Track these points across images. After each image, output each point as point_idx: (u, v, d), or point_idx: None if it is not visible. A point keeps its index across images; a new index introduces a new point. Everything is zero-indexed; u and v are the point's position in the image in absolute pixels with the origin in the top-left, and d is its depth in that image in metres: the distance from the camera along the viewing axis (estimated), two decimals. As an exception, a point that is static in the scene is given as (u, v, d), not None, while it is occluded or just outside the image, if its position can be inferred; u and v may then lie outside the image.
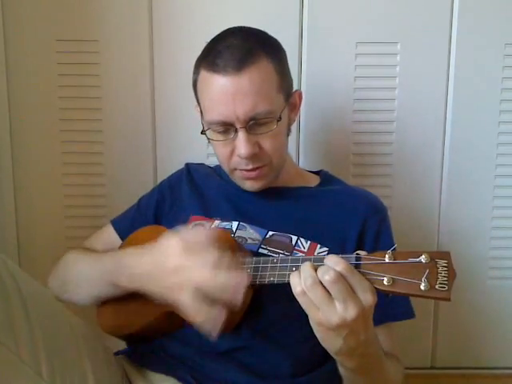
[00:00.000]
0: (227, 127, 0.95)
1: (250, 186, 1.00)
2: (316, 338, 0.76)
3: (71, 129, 1.35)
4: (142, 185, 1.32)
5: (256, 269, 0.82)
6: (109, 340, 0.95)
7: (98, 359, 0.85)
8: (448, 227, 1.40)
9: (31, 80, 1.33)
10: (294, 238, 0.97)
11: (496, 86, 1.34)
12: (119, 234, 1.12)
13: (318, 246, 0.96)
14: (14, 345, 0.70)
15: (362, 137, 1.37)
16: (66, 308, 0.87)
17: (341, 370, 0.85)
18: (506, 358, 1.46)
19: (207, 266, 0.78)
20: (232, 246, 0.89)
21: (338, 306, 0.71)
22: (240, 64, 0.91)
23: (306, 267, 0.73)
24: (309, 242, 0.97)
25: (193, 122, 1.30)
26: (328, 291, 0.71)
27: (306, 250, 0.96)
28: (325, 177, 1.12)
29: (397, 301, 0.95)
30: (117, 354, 0.99)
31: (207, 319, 0.78)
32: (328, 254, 0.95)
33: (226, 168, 1.02)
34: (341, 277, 0.70)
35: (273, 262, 0.81)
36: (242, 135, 0.93)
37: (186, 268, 0.80)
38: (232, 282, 0.77)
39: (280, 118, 0.96)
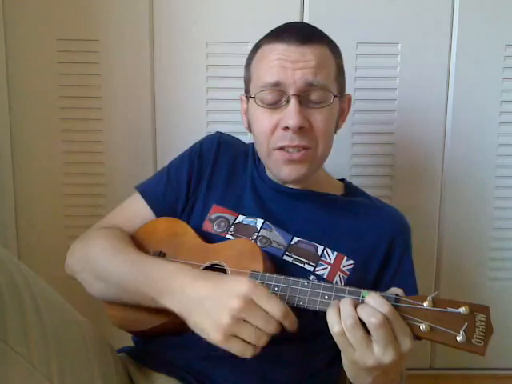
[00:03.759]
0: (279, 94, 0.89)
1: (287, 172, 0.92)
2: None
3: (72, 128, 1.35)
4: (142, 184, 1.32)
5: (284, 289, 0.79)
6: (111, 338, 0.95)
7: (106, 363, 0.84)
8: (448, 228, 1.40)
9: (32, 79, 1.33)
10: (320, 247, 0.93)
11: (496, 87, 1.34)
12: (153, 209, 1.02)
13: (345, 258, 0.93)
14: (27, 351, 0.69)
15: (363, 137, 1.37)
16: (75, 310, 0.86)
17: None
18: (506, 359, 1.46)
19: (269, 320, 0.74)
20: (260, 263, 0.85)
21: (377, 349, 0.69)
22: (305, 39, 0.90)
23: (347, 306, 0.70)
24: (335, 253, 0.93)
25: (193, 122, 1.31)
26: (367, 332, 0.69)
27: (331, 262, 0.92)
28: (349, 187, 1.08)
29: None
30: (119, 351, 0.98)
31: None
32: (354, 267, 0.92)
33: (263, 149, 0.94)
34: (387, 321, 0.68)
35: (303, 286, 0.78)
36: (293, 103, 0.88)
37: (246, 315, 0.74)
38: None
39: (336, 95, 0.92)
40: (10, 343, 0.67)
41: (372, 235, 0.95)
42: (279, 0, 1.31)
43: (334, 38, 1.30)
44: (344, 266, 0.92)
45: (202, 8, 1.32)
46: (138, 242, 0.99)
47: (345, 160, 1.37)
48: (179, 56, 1.32)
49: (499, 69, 1.33)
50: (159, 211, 1.02)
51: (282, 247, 0.93)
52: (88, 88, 1.34)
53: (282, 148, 0.91)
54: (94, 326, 0.88)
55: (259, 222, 0.96)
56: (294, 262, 0.92)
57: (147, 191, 1.05)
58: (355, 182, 1.30)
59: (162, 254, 0.96)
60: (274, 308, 0.74)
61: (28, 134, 1.35)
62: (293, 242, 0.94)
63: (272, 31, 0.96)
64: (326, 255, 0.92)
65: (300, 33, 0.92)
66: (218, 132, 1.09)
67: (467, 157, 1.37)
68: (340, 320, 0.70)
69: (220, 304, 0.74)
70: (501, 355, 1.46)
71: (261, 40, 0.96)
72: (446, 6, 1.31)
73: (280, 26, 0.96)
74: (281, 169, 0.93)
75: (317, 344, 0.90)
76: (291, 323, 0.75)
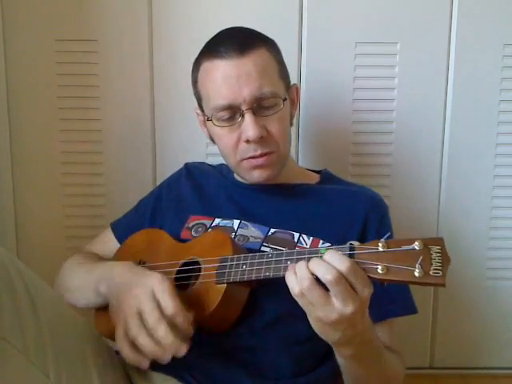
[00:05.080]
0: (233, 111, 0.94)
1: (258, 176, 0.98)
2: (318, 337, 0.76)
3: (70, 128, 1.35)
4: (141, 184, 1.32)
5: (252, 264, 0.83)
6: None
7: (103, 360, 0.85)
8: (446, 227, 1.39)
9: (30, 79, 1.33)
10: (296, 234, 0.96)
11: (495, 87, 1.34)
12: (117, 238, 1.12)
13: (321, 241, 0.96)
14: (23, 345, 0.70)
15: (361, 137, 1.37)
16: (72, 308, 0.87)
17: (339, 360, 0.84)
18: (504, 358, 1.46)
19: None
20: (229, 248, 0.88)
21: (337, 303, 0.71)
22: (242, 49, 0.93)
23: (302, 268, 0.72)
24: (311, 238, 0.96)
25: (192, 122, 1.30)
26: (325, 289, 0.71)
27: (308, 247, 0.95)
28: (326, 175, 1.12)
29: (398, 297, 0.96)
30: (117, 352, 0.99)
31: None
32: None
33: (231, 161, 1.00)
34: (342, 277, 0.70)
35: (268, 257, 0.82)
36: (249, 117, 0.93)
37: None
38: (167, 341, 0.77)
39: (285, 98, 0.97)
40: (6, 337, 0.68)
41: (345, 216, 0.99)
42: (278, 0, 1.31)
43: (333, 38, 1.32)
44: None
45: (200, 7, 1.32)
46: (122, 256, 1.05)
47: (344, 159, 1.37)
48: (178, 56, 1.32)
49: (498, 68, 1.33)
50: (123, 240, 1.09)
51: (259, 240, 0.97)
52: (86, 88, 1.34)
53: (249, 157, 0.96)
54: (93, 326, 0.89)
55: (236, 222, 1.00)
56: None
57: (116, 224, 1.15)
58: (353, 180, 1.31)
59: (141, 263, 0.99)
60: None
61: (27, 135, 1.35)
62: (269, 234, 0.97)
63: (209, 45, 1.00)
64: (303, 241, 0.96)
65: (235, 44, 0.95)
66: (185, 164, 1.17)
67: (466, 156, 1.37)
68: (298, 282, 0.72)
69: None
70: (499, 354, 1.46)
71: (200, 55, 1.00)
72: (445, 5, 1.31)
73: (215, 39, 1.00)
74: (251, 174, 0.99)
75: (302, 330, 0.89)
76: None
